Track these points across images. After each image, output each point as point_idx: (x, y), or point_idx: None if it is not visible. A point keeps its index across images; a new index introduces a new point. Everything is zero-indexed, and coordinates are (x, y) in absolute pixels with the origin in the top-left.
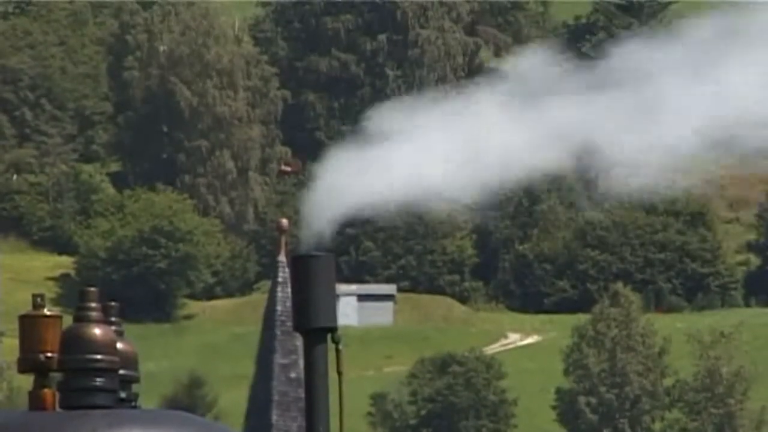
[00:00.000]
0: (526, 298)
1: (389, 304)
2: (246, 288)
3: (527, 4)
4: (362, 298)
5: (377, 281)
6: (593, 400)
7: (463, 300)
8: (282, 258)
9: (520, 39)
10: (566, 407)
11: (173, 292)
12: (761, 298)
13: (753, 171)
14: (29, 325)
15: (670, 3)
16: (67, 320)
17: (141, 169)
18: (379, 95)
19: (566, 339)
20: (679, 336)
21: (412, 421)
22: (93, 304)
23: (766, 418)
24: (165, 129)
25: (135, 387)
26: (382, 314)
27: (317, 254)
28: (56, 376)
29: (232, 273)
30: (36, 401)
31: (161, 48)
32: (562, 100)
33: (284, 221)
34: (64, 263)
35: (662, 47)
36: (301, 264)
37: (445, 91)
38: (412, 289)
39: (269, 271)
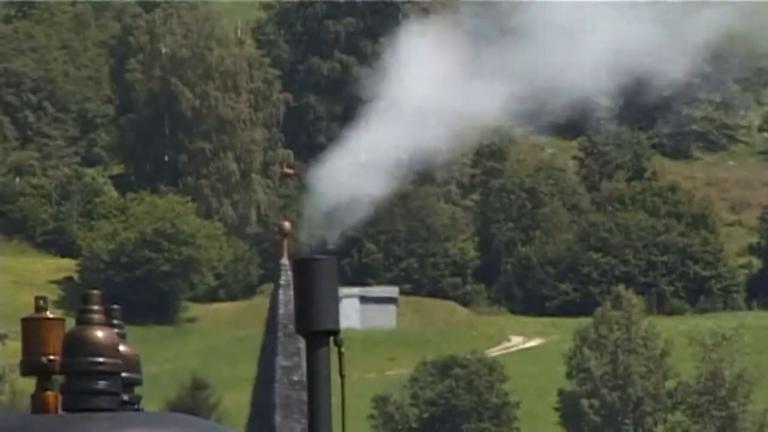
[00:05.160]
0: (529, 301)
1: (391, 307)
2: (248, 291)
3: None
4: (364, 300)
5: (379, 284)
6: (596, 403)
7: (465, 303)
8: (284, 261)
9: None
10: (569, 410)
11: (176, 295)
12: (763, 300)
13: (755, 173)
14: (32, 328)
15: None
16: (70, 323)
17: (143, 171)
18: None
19: (568, 342)
20: (681, 339)
21: (415, 424)
22: (96, 307)
23: None
24: (167, 131)
25: (138, 390)
26: (385, 317)
27: (319, 257)
28: (59, 378)
29: (235, 276)
30: (38, 404)
31: (163, 50)
32: None
33: (287, 224)
34: (67, 266)
35: None
36: (303, 267)
37: None
38: (415, 292)
39: (272, 274)
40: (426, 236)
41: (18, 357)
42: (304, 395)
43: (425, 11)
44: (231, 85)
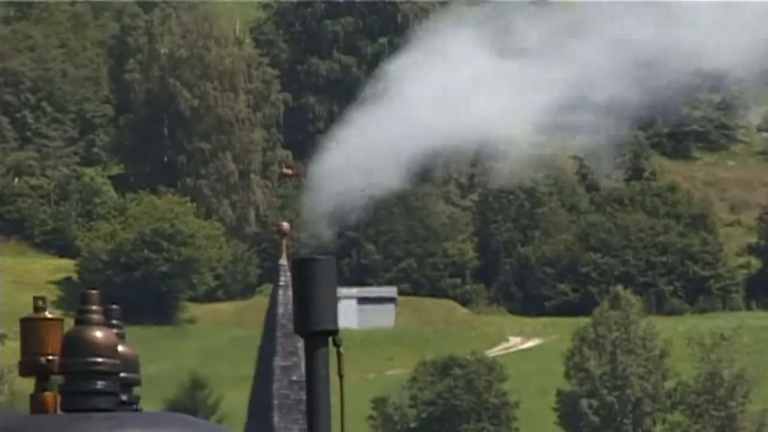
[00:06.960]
0: (528, 301)
1: (390, 307)
2: (247, 291)
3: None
4: (363, 300)
5: (378, 284)
6: (595, 403)
7: (464, 303)
8: (283, 261)
9: None
10: (568, 410)
11: (175, 295)
12: (762, 300)
13: (755, 173)
14: (30, 328)
15: None
16: (69, 323)
17: (142, 171)
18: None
19: (567, 342)
20: (680, 339)
21: (414, 424)
22: (94, 307)
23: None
24: (166, 132)
25: (136, 390)
26: (384, 317)
27: (318, 257)
28: (57, 379)
29: (234, 276)
30: (37, 404)
31: (162, 50)
32: None
33: (285, 224)
34: (66, 266)
35: None
36: (302, 267)
37: None
38: (414, 292)
39: (271, 274)
40: (425, 236)
41: (17, 357)
42: (303, 395)
43: (425, 11)
44: (229, 85)
